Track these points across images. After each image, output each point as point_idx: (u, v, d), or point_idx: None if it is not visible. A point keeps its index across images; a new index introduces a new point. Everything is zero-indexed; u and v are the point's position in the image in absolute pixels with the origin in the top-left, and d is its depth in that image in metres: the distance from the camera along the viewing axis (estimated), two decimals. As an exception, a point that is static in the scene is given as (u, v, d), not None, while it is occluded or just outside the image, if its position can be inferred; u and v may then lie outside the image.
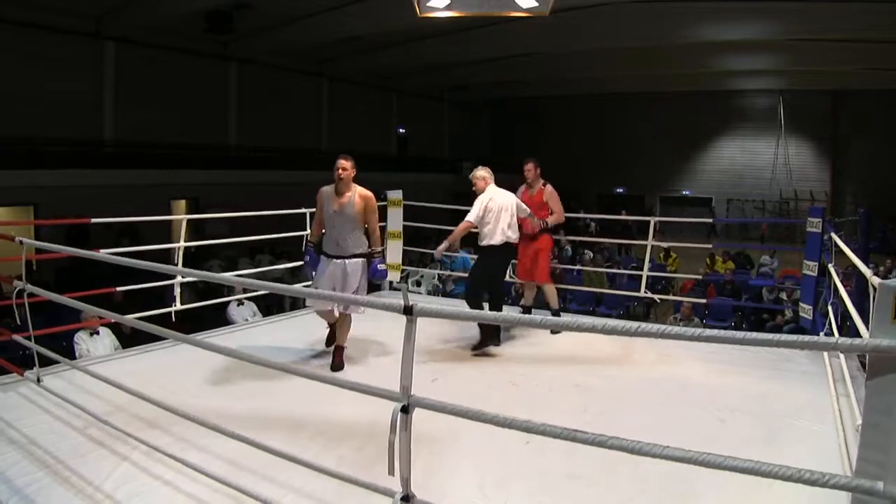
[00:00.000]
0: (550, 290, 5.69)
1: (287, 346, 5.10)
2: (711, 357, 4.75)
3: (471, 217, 4.97)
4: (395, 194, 6.96)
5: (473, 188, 5.15)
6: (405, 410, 1.92)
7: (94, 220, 5.34)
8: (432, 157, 26.62)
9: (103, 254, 3.69)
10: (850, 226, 8.03)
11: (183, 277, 5.45)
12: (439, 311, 2.10)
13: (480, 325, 4.88)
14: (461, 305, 5.20)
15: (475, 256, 10.65)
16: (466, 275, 10.15)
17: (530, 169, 5.66)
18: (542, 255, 5.54)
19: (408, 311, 1.90)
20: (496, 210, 4.97)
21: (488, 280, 5.17)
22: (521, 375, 4.34)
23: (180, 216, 5.88)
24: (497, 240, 4.97)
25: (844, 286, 4.48)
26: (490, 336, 4.92)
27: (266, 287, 2.85)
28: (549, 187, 5.66)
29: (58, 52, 13.64)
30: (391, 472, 1.92)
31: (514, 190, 5.46)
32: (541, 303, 5.98)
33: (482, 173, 5.13)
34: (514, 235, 5.08)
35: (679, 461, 1.56)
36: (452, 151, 28.13)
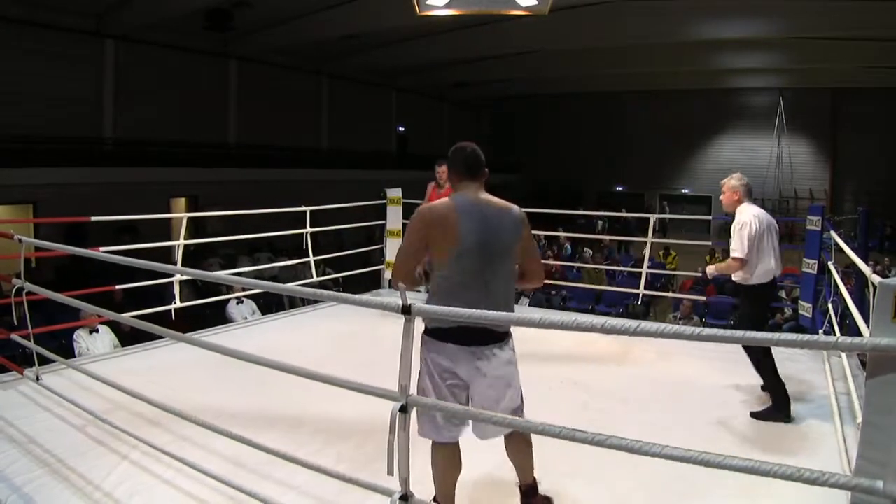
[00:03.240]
0: None
1: (286, 344, 5.10)
2: (711, 355, 4.75)
3: None
4: (395, 192, 6.98)
5: None
6: (403, 410, 1.92)
7: (93, 219, 5.34)
8: (432, 156, 26.57)
9: (102, 252, 3.69)
10: (850, 224, 8.03)
11: (181, 276, 5.44)
12: (437, 310, 2.09)
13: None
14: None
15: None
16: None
17: (445, 170, 5.35)
18: None
19: (406, 310, 1.90)
20: None
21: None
22: (521, 373, 4.32)
23: (180, 214, 5.87)
24: None
25: (844, 284, 4.48)
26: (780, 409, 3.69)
27: (261, 286, 2.85)
28: None
29: (57, 49, 13.60)
30: (391, 472, 1.92)
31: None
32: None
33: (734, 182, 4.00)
34: None
35: (679, 460, 1.56)
36: (452, 150, 28.13)
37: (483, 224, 2.31)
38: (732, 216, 3.91)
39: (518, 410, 2.43)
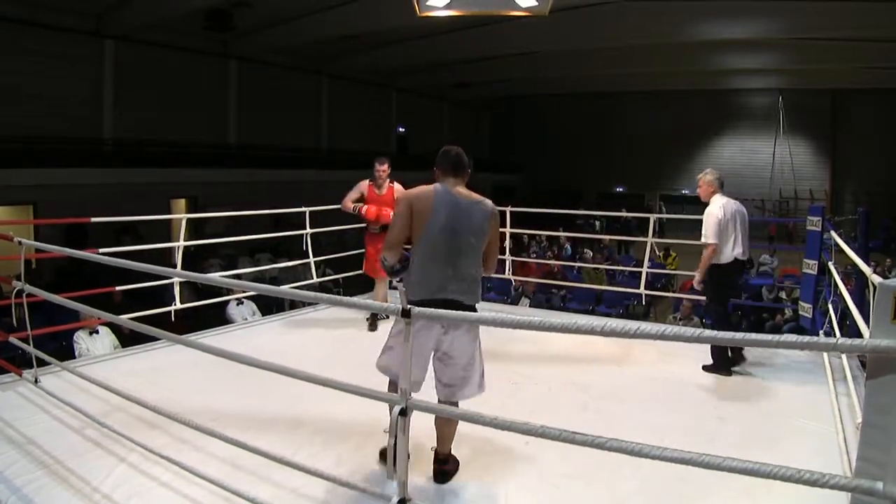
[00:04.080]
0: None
1: (286, 345, 5.09)
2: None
3: None
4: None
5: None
6: (404, 413, 1.92)
7: (93, 220, 5.34)
8: (432, 156, 26.54)
9: (101, 254, 3.69)
10: (850, 224, 8.04)
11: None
12: (436, 312, 2.09)
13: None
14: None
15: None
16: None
17: (386, 170, 5.38)
18: None
19: (405, 313, 1.90)
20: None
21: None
22: (521, 374, 4.34)
23: (180, 215, 5.87)
24: None
25: (844, 285, 4.48)
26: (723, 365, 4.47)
27: (259, 289, 2.85)
28: (398, 185, 5.36)
29: (57, 50, 13.61)
30: (391, 476, 1.91)
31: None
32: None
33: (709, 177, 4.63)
34: None
35: (679, 462, 1.56)
36: (452, 150, 28.14)
37: (454, 210, 2.71)
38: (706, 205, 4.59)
39: (474, 380, 2.79)
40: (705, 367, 4.47)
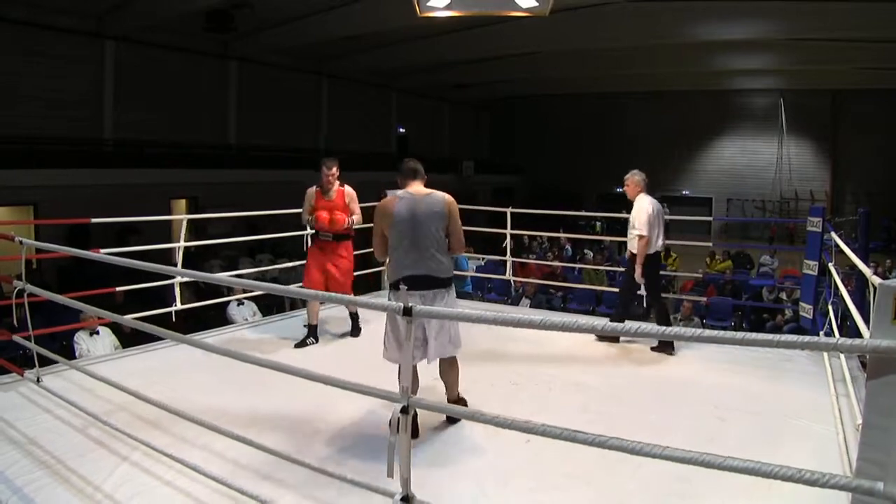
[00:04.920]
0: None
1: (287, 345, 5.10)
2: (712, 357, 4.75)
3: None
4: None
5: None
6: (405, 411, 1.92)
7: (93, 220, 5.35)
8: (432, 157, 26.57)
9: (102, 254, 3.69)
10: (850, 225, 8.04)
11: (182, 278, 5.44)
12: (438, 311, 2.10)
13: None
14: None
15: (476, 256, 10.57)
16: (463, 274, 10.18)
17: (334, 173, 5.07)
18: (345, 262, 5.14)
19: (407, 311, 1.90)
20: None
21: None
22: (522, 375, 4.34)
23: (180, 216, 5.88)
24: None
25: (845, 285, 4.48)
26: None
27: (261, 287, 2.85)
28: (348, 188, 5.17)
29: (58, 50, 13.61)
30: (390, 474, 1.92)
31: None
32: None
33: (637, 178, 5.25)
34: None
35: (679, 461, 1.56)
36: (452, 151, 28.12)
37: (412, 203, 3.34)
38: (632, 204, 5.17)
39: (454, 341, 3.38)
40: (653, 348, 4.98)
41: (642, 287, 5.26)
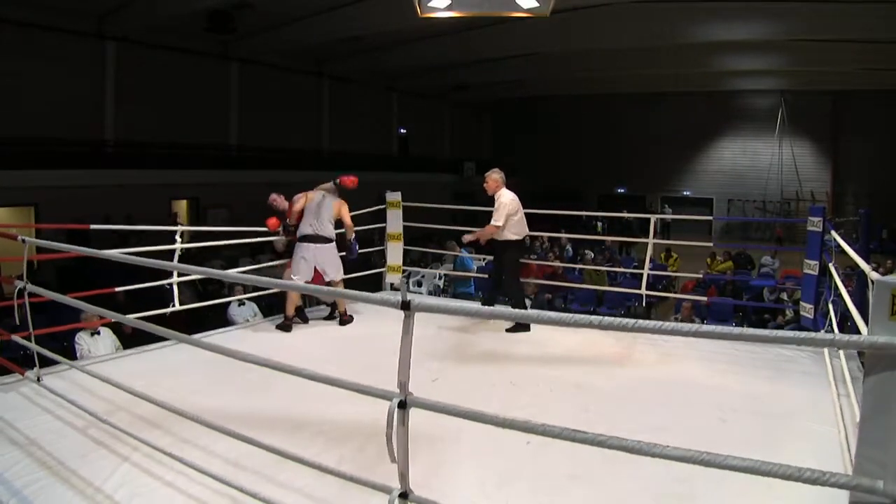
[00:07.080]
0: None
1: (287, 345, 5.10)
2: (712, 357, 4.75)
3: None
4: (394, 196, 6.92)
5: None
6: (402, 406, 1.92)
7: (92, 227, 5.36)
8: (433, 158, 26.62)
9: (104, 253, 3.68)
10: (850, 226, 8.02)
11: (181, 275, 5.45)
12: (436, 305, 2.10)
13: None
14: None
15: (478, 257, 10.58)
16: (466, 275, 10.17)
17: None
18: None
19: (405, 305, 1.90)
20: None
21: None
22: (522, 375, 4.34)
23: (180, 226, 5.93)
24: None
25: (845, 285, 4.47)
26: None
27: (270, 283, 2.85)
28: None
29: (59, 51, 13.65)
30: (393, 460, 1.91)
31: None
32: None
33: (496, 175, 5.67)
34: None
35: (680, 461, 1.56)
36: (453, 152, 28.14)
37: (318, 197, 5.57)
38: (493, 199, 5.60)
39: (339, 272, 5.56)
40: (508, 330, 5.38)
41: (505, 273, 5.65)
